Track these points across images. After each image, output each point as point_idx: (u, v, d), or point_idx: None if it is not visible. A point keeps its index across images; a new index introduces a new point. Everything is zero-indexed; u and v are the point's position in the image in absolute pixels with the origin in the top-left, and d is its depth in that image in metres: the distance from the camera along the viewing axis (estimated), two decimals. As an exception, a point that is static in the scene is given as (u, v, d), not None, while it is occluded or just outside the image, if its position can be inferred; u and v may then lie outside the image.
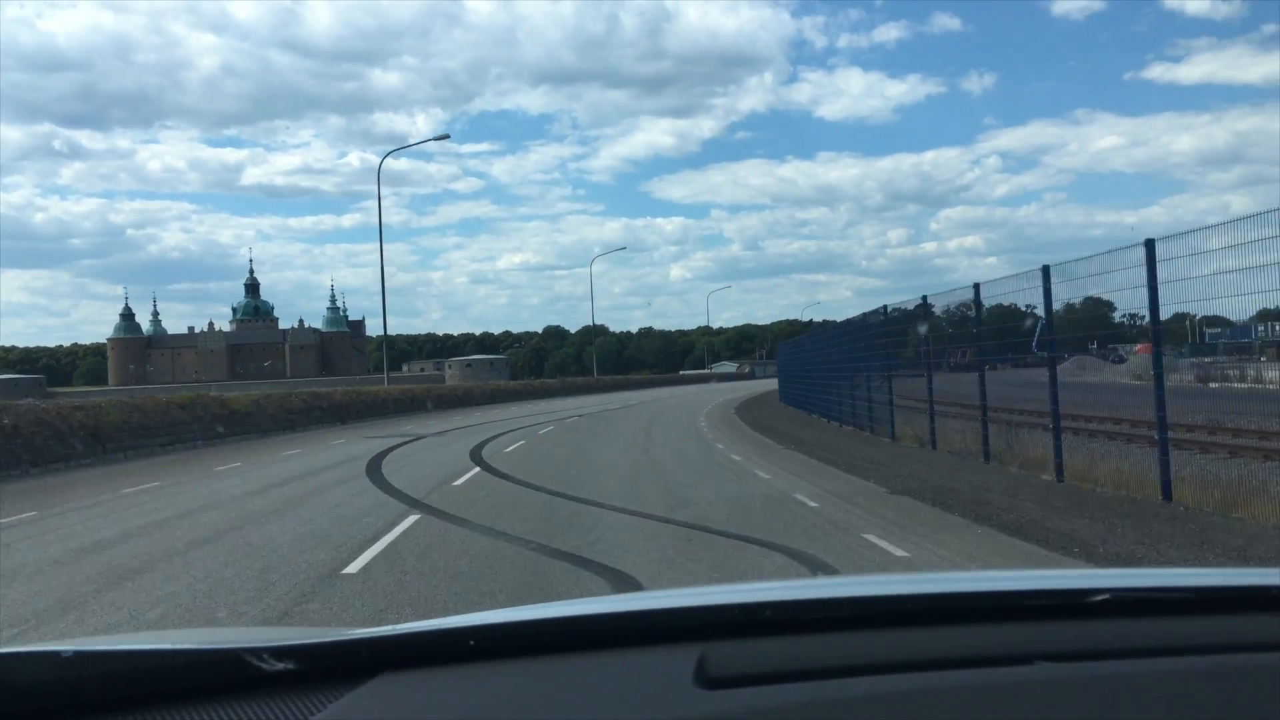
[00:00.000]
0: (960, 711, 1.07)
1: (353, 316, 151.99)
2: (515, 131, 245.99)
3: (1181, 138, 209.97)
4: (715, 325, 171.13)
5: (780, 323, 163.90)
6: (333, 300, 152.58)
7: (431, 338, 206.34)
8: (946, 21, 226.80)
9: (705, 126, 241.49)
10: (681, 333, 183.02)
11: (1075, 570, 5.67)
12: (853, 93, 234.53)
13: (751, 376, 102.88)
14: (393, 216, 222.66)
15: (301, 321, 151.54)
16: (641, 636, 1.29)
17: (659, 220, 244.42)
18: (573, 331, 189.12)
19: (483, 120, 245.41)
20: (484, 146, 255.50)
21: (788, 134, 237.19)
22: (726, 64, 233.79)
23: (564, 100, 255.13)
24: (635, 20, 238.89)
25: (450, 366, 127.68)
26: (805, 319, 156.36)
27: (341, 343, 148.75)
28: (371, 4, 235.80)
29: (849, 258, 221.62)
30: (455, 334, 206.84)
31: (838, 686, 1.12)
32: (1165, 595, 1.36)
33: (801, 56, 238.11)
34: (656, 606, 1.42)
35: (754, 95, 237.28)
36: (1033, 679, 1.13)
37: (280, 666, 1.20)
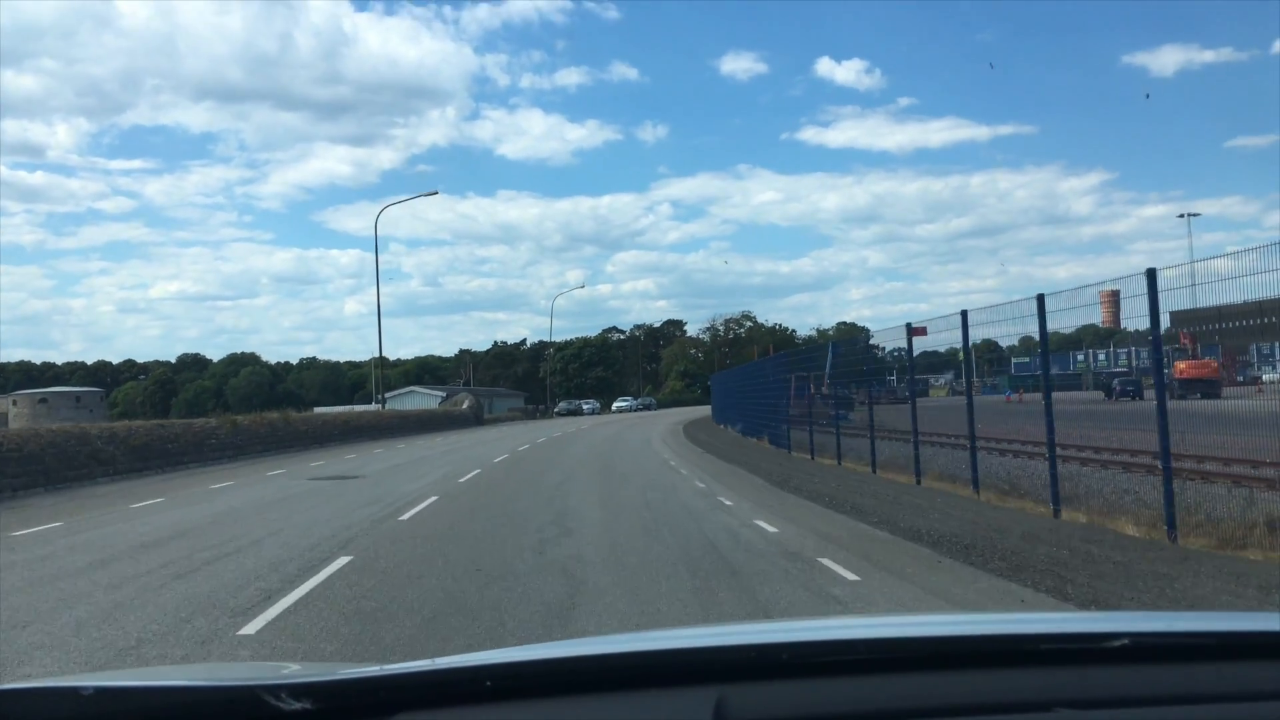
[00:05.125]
0: None
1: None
2: (174, 149, 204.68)
3: (829, 196, 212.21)
4: (393, 358, 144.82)
5: (475, 352, 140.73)
6: None
7: (24, 366, 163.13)
8: (625, 71, 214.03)
9: (385, 157, 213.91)
10: (352, 364, 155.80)
11: (1090, 613, 5.63)
12: (534, 133, 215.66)
13: (478, 419, 62.91)
14: (24, 236, 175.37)
15: None
16: (660, 678, 1.27)
17: (334, 252, 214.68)
18: (215, 360, 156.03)
19: (136, 135, 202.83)
20: (136, 164, 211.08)
21: (469, 170, 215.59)
22: (408, 95, 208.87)
23: (230, 119, 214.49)
24: (311, 41, 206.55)
25: (16, 403, 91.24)
26: (495, 344, 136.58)
27: None
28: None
29: (528, 296, 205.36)
30: (59, 363, 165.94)
31: None
32: (1186, 641, 1.33)
33: (484, 93, 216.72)
34: (674, 646, 1.45)
35: (435, 129, 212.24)
36: None
37: (298, 706, 1.17)
